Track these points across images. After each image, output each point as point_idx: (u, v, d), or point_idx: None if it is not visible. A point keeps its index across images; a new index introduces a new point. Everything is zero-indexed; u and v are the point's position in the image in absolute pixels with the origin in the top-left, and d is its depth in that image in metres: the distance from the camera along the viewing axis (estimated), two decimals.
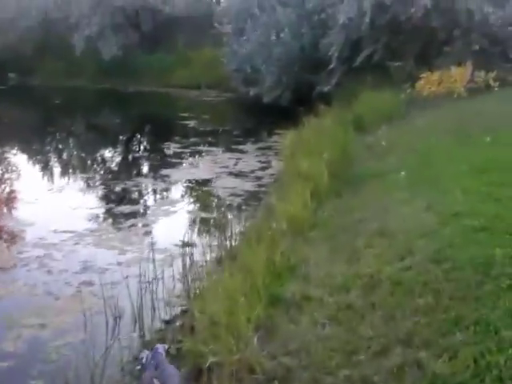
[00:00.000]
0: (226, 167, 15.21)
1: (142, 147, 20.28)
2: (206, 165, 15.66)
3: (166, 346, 6.04)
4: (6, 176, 15.00)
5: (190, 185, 14.15)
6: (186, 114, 24.50)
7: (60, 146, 20.99)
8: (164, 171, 15.00)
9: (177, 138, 19.52)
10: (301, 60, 23.27)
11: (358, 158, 12.53)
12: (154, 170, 15.60)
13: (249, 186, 13.38)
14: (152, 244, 9.28)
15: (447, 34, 20.26)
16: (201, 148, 18.18)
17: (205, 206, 11.84)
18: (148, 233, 10.43)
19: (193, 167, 15.47)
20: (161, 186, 13.78)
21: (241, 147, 17.77)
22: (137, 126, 24.56)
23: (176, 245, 9.43)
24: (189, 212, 11.50)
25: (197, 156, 17.26)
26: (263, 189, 12.99)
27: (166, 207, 11.94)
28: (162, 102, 30.75)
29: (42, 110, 29.37)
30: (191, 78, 32.57)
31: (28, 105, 30.65)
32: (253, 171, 14.70)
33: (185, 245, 9.12)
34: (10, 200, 12.36)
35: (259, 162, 15.83)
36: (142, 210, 11.91)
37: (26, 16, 39.19)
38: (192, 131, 21.00)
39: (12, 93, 34.02)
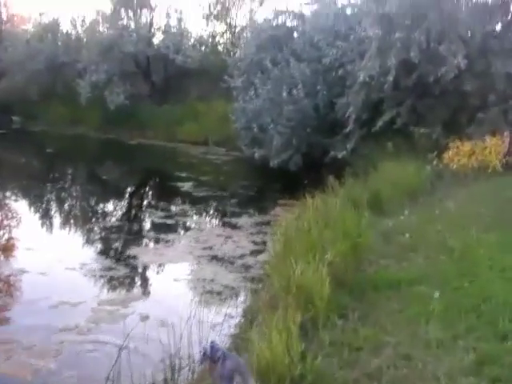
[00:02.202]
0: (210, 248, 12.00)
1: (123, 213, 16.52)
2: (186, 244, 12.42)
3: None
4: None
5: (157, 274, 10.96)
6: (184, 174, 21.42)
7: (47, 197, 18.54)
8: (133, 250, 11.80)
9: (165, 204, 16.46)
10: (314, 120, 20.35)
11: (374, 254, 9.36)
12: (122, 246, 12.37)
13: (232, 279, 10.15)
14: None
15: (481, 99, 17.25)
16: (187, 219, 15.03)
17: (166, 312, 8.56)
18: (72, 355, 7.24)
19: (169, 246, 12.22)
20: (120, 272, 10.49)
21: (234, 221, 14.59)
22: (128, 184, 21.63)
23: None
24: (143, 318, 8.32)
25: (179, 230, 14.04)
26: (249, 285, 9.80)
27: (113, 308, 8.74)
28: (163, 157, 27.59)
29: (43, 157, 27.06)
30: (199, 133, 29.94)
31: (29, 151, 28.57)
32: (242, 256, 11.50)
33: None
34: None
35: (252, 242, 12.62)
36: (81, 311, 8.63)
37: (34, 59, 36.95)
38: (184, 196, 17.85)
39: (15, 137, 31.91)
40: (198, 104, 31.86)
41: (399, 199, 13.14)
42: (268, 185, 19.77)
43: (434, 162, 16.14)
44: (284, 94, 20.37)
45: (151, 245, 12.48)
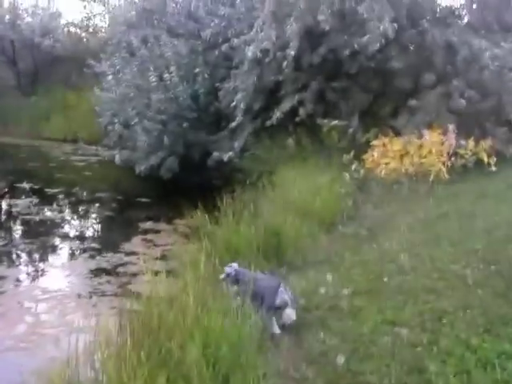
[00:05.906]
0: None
1: None
2: None
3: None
4: None
5: None
6: (28, 185, 15.28)
7: None
8: None
9: None
10: (192, 112, 14.67)
11: None
12: None
13: None
14: None
15: (413, 79, 12.11)
16: None
17: None
18: None
19: None
20: None
21: (55, 275, 8.68)
22: None
23: None
24: None
25: None
26: None
27: None
28: (20, 160, 21.10)
29: None
30: (68, 128, 24.44)
31: None
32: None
33: None
34: None
35: (71, 320, 6.94)
36: None
37: None
38: (12, 222, 11.95)
39: None
40: (68, 95, 26.06)
41: (309, 231, 7.88)
42: (133, 199, 14.00)
43: (353, 167, 11.01)
44: (153, 79, 14.65)
45: None
